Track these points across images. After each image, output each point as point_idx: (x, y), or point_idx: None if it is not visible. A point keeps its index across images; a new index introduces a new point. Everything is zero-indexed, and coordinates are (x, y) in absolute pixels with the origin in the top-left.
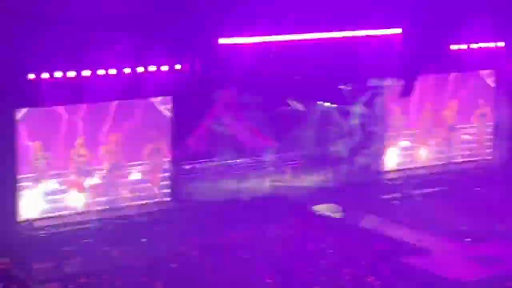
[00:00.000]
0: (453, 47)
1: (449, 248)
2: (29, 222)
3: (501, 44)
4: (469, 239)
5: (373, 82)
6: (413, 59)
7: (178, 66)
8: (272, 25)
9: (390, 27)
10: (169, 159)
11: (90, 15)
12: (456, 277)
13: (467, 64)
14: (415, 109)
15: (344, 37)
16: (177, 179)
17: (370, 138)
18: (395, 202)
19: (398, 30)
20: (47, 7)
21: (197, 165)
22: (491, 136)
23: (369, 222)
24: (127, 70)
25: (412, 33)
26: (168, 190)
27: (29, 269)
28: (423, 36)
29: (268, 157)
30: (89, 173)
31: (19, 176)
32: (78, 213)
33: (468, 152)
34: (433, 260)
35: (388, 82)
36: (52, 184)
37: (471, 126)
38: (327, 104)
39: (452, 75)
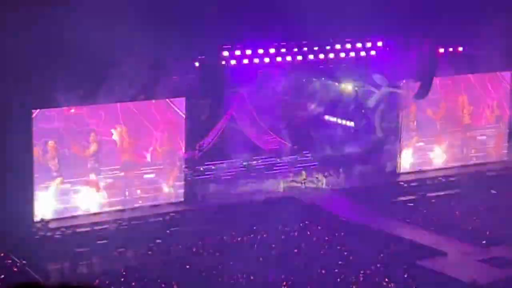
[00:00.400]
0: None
1: (464, 250)
2: (44, 222)
3: None
4: (484, 242)
5: (389, 84)
6: (428, 61)
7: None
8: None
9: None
10: (183, 160)
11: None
12: (471, 279)
13: (483, 66)
14: (431, 110)
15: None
16: (192, 180)
17: (386, 140)
18: (410, 204)
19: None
20: None
21: (212, 166)
22: (508, 138)
23: (385, 224)
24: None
25: (427, 36)
26: (183, 191)
27: (43, 270)
28: (437, 39)
29: (284, 158)
30: (103, 174)
31: (34, 177)
32: (93, 214)
33: (484, 154)
34: (448, 262)
35: (404, 83)
36: (67, 185)
37: (488, 128)
38: (343, 106)
39: (468, 77)
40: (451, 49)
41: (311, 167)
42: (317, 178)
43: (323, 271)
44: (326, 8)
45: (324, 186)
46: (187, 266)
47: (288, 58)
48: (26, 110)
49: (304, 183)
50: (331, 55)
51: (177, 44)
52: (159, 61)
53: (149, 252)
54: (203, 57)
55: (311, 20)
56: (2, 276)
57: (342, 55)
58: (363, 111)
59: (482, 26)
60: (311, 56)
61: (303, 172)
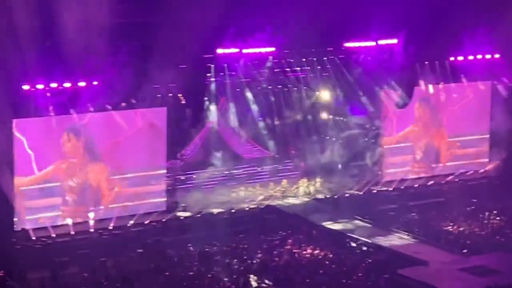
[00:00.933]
0: (451, 58)
1: (445, 260)
2: (25, 232)
3: (497, 55)
4: (466, 250)
5: (371, 92)
6: (412, 69)
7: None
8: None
9: (389, 37)
10: (165, 169)
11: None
12: None
13: (466, 75)
14: (413, 119)
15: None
16: (173, 189)
17: (368, 148)
18: (392, 213)
19: (395, 41)
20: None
21: (194, 175)
22: (488, 147)
23: (366, 233)
24: (122, 81)
25: (411, 43)
26: (164, 200)
27: (24, 280)
28: (421, 47)
29: (265, 167)
30: (84, 184)
31: (15, 186)
32: (74, 224)
33: (465, 163)
34: (429, 271)
35: (386, 91)
36: (48, 194)
37: (469, 138)
38: (325, 115)
39: (451, 86)
40: (436, 62)
41: (292, 176)
42: (297, 187)
43: (307, 280)
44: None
45: (304, 195)
46: (168, 275)
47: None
48: (5, 119)
49: (284, 192)
50: None
51: (158, 53)
52: (141, 69)
53: (130, 262)
54: (185, 66)
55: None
56: None
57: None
58: (344, 119)
59: (467, 36)
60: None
61: (284, 181)
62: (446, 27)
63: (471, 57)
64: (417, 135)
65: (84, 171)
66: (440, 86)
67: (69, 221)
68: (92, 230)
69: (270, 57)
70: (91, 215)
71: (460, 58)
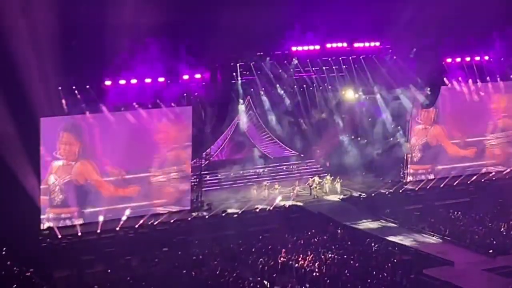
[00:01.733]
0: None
1: (471, 260)
2: (52, 230)
3: None
4: (492, 251)
5: (397, 91)
6: (437, 69)
7: (198, 76)
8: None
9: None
10: (190, 168)
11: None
12: None
13: (489, 74)
14: (439, 119)
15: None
16: (198, 188)
17: (394, 148)
18: (417, 213)
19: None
20: None
21: (219, 175)
22: None
23: (391, 233)
24: (148, 80)
25: (437, 45)
26: (189, 199)
27: (50, 278)
28: (449, 47)
29: (291, 166)
30: (111, 182)
31: (42, 185)
32: (100, 222)
33: (492, 162)
34: (455, 271)
35: (411, 91)
36: (74, 192)
37: (496, 136)
38: (352, 113)
39: (481, 85)
40: (458, 59)
41: (317, 175)
42: (322, 186)
43: (329, 280)
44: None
45: (328, 194)
46: (193, 274)
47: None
48: (34, 117)
49: (312, 189)
50: None
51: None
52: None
53: (156, 260)
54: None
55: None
56: (14, 286)
57: None
58: (369, 119)
59: (492, 36)
60: None
61: (310, 180)
62: (474, 27)
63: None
64: (444, 135)
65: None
66: (471, 85)
67: (100, 218)
68: (118, 229)
69: (295, 57)
70: (117, 212)
71: (487, 58)
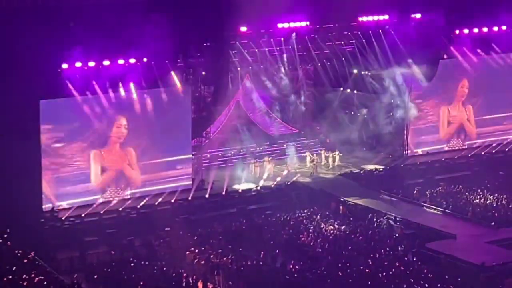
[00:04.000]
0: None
1: (473, 233)
2: (53, 212)
3: None
4: (494, 223)
5: (396, 68)
6: (435, 44)
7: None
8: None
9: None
10: (190, 147)
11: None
12: (480, 261)
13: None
14: (438, 93)
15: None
16: (199, 167)
17: (394, 124)
18: (418, 187)
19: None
20: None
21: (219, 153)
22: None
23: (393, 208)
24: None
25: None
26: (190, 178)
27: (53, 260)
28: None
29: (291, 143)
30: (112, 163)
31: (42, 166)
32: (102, 203)
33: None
34: (457, 244)
35: (410, 67)
36: (76, 174)
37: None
38: (350, 91)
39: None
40: (466, 31)
41: (318, 152)
42: (323, 163)
43: (331, 256)
44: None
45: (330, 170)
46: (197, 254)
47: None
48: (34, 100)
49: (310, 167)
50: None
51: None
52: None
53: (160, 240)
54: (209, 43)
55: None
56: (14, 268)
57: None
58: (368, 95)
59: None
60: None
61: (310, 157)
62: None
63: (504, 27)
64: (445, 109)
65: (115, 153)
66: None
67: (97, 199)
68: (120, 209)
69: (294, 34)
70: (118, 193)
71: (485, 29)
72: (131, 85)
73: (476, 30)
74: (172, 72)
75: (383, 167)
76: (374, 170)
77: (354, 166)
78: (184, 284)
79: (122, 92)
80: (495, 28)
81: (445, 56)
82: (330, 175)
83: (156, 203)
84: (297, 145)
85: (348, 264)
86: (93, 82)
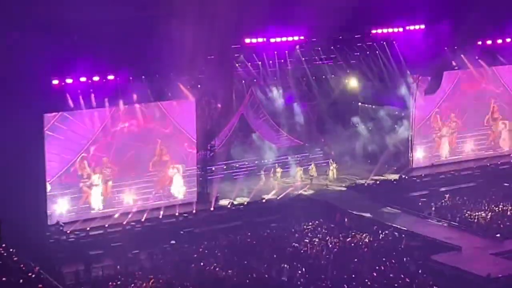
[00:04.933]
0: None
1: (478, 245)
2: (59, 226)
3: None
4: (499, 235)
5: (401, 79)
6: (439, 55)
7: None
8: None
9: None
10: (195, 160)
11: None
12: (485, 272)
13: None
14: (443, 105)
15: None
16: (204, 180)
17: (398, 136)
18: (423, 199)
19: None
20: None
21: (224, 166)
22: None
23: (398, 220)
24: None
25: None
26: (195, 191)
27: (58, 273)
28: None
29: (296, 155)
30: (114, 177)
31: (48, 181)
32: (106, 217)
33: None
34: (463, 256)
35: (415, 79)
36: (80, 188)
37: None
38: (354, 103)
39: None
40: (471, 42)
41: (322, 164)
42: (327, 175)
43: (337, 269)
44: None
45: (334, 182)
46: (202, 266)
47: None
48: (38, 113)
49: (313, 178)
50: None
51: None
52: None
53: (164, 253)
54: (212, 56)
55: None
56: (20, 281)
57: None
58: (373, 107)
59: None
60: None
61: (314, 169)
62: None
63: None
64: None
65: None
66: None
67: (101, 213)
68: (124, 222)
69: (297, 46)
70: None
71: (489, 41)
72: (134, 98)
73: (480, 42)
74: (177, 85)
75: (387, 179)
76: (378, 182)
77: (359, 178)
78: None
79: (121, 105)
80: (499, 41)
81: (450, 67)
82: (334, 187)
83: (160, 216)
84: (301, 158)
85: (353, 276)
86: (91, 96)
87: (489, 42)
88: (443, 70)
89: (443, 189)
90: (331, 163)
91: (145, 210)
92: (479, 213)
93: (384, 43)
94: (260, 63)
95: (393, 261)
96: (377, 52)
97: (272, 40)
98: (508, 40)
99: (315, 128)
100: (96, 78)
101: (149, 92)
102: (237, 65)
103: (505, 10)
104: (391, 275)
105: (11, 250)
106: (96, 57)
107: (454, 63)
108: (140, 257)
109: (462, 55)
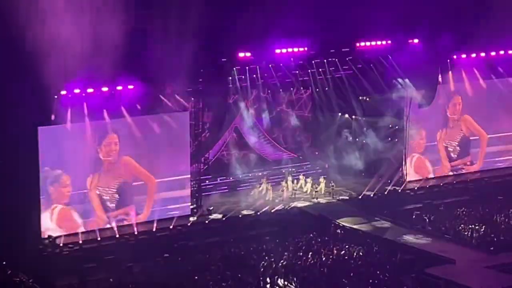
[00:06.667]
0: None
1: (472, 258)
2: (52, 239)
3: None
4: (493, 248)
5: (394, 92)
6: (433, 68)
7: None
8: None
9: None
10: (189, 173)
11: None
12: (479, 286)
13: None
14: (436, 117)
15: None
16: (198, 193)
17: (391, 149)
18: (417, 212)
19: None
20: None
21: (219, 179)
22: None
23: (392, 233)
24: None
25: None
26: (189, 204)
27: (52, 286)
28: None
29: (288, 168)
30: (108, 190)
31: (41, 195)
32: (100, 229)
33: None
34: (457, 269)
35: (408, 91)
36: (74, 202)
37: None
38: (348, 115)
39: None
40: (464, 56)
41: (316, 177)
42: (320, 188)
43: (331, 282)
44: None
45: (327, 195)
46: (196, 279)
47: None
48: (32, 127)
49: (310, 193)
50: None
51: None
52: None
53: (157, 266)
54: (207, 69)
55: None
56: None
57: None
58: (366, 120)
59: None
60: None
61: (309, 182)
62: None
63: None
64: (446, 134)
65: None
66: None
67: (95, 227)
68: (117, 236)
69: (292, 59)
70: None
71: (483, 54)
72: (127, 110)
73: (474, 55)
74: (171, 98)
75: (381, 192)
76: (372, 195)
77: (353, 191)
78: None
79: (113, 118)
80: (493, 53)
81: (443, 80)
82: (328, 200)
83: (153, 230)
84: (295, 170)
85: None
86: (83, 107)
87: (482, 54)
88: (437, 83)
89: (436, 202)
90: (323, 177)
91: (139, 222)
92: (473, 226)
93: (378, 56)
94: (254, 76)
95: (387, 274)
96: (371, 65)
97: (269, 52)
98: (502, 52)
99: (310, 141)
100: (90, 90)
101: (143, 104)
102: (230, 78)
103: (501, 22)
104: None
105: (4, 263)
106: (90, 69)
107: (448, 76)
108: (134, 270)
109: (456, 68)
